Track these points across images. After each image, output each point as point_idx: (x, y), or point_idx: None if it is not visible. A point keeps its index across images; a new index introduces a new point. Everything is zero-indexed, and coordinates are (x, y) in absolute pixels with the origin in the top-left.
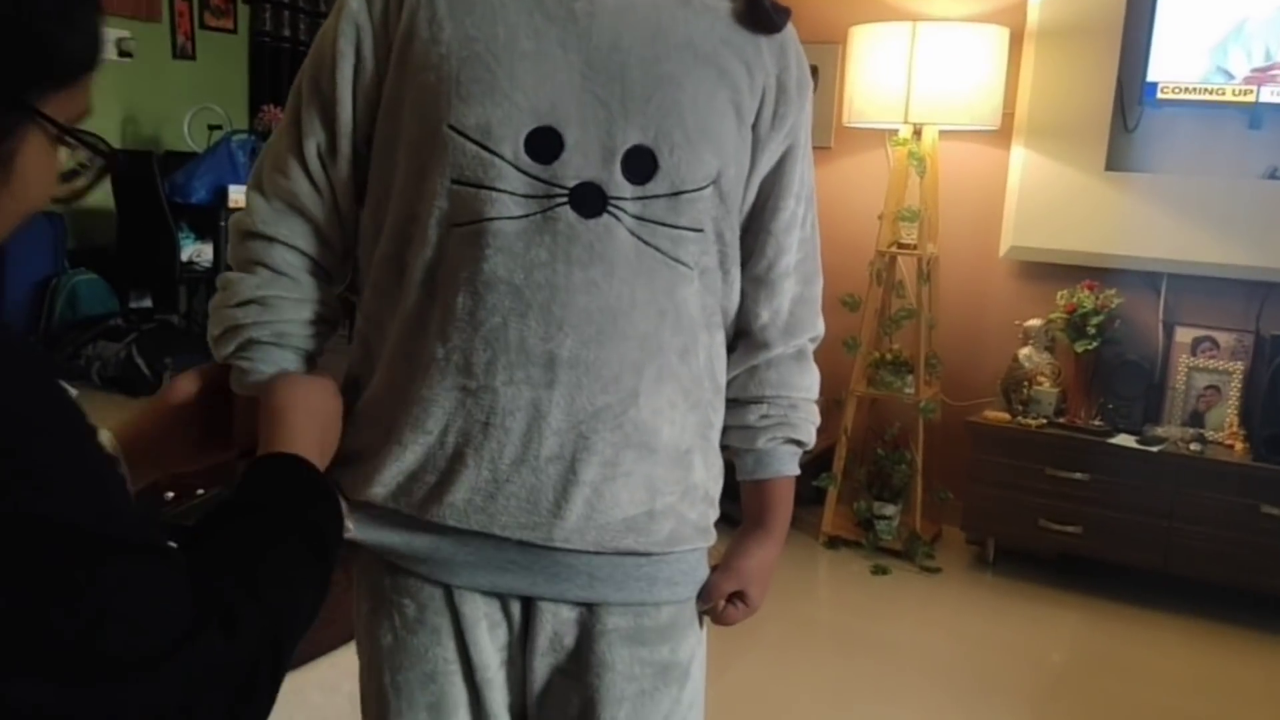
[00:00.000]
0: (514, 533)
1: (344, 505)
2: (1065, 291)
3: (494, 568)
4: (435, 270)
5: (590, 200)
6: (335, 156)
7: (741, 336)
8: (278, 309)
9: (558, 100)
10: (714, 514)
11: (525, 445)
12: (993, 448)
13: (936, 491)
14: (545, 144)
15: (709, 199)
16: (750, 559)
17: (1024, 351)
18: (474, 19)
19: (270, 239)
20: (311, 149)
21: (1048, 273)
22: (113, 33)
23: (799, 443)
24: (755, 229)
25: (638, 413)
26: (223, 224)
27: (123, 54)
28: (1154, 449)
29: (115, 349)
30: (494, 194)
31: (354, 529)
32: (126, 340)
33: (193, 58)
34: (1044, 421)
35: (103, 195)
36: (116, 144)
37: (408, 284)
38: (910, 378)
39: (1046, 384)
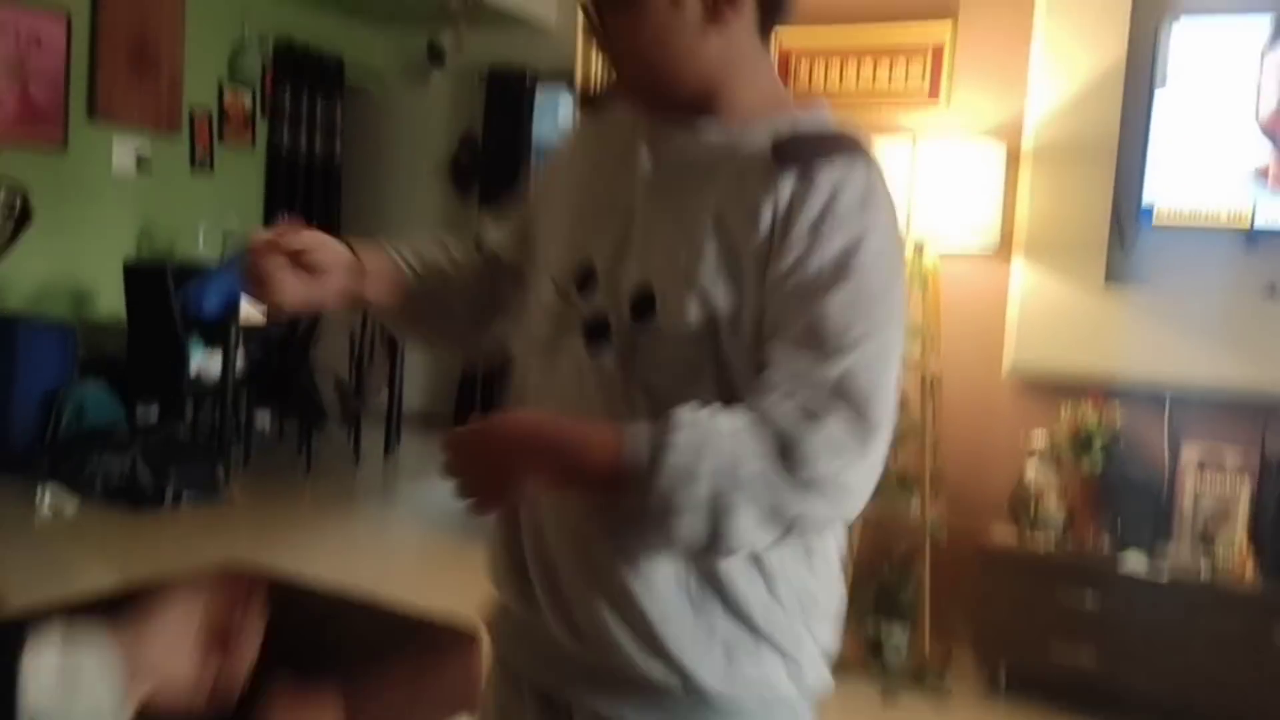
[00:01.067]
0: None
1: None
2: (1070, 409)
3: None
4: None
5: (594, 331)
6: None
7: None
8: None
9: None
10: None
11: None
12: (1002, 569)
13: (946, 613)
14: (583, 277)
15: (702, 341)
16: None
17: (1029, 470)
18: (551, 213)
19: None
20: None
21: (1051, 390)
22: (133, 144)
23: None
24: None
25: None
26: (233, 334)
27: (142, 167)
28: (1164, 572)
29: (120, 461)
30: (537, 311)
31: None
32: (131, 452)
33: (210, 171)
34: (1052, 543)
35: (115, 306)
36: (131, 255)
37: None
38: (915, 498)
39: (1053, 503)
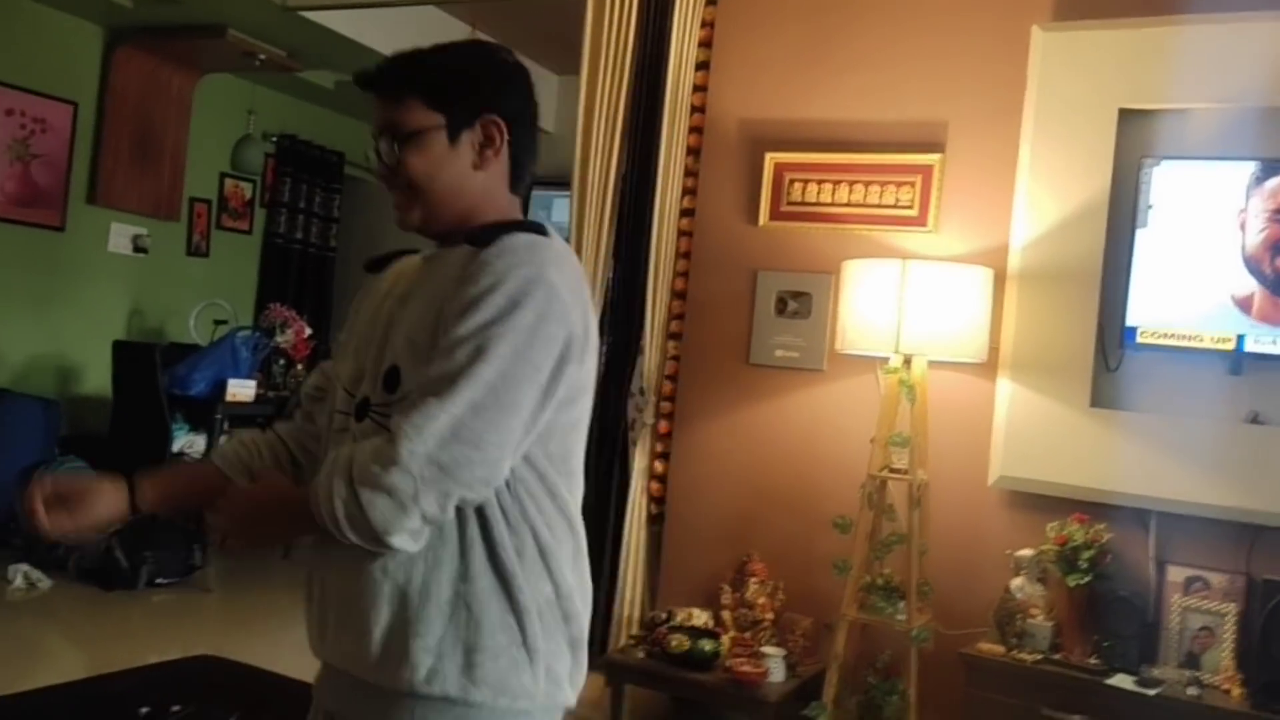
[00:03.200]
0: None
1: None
2: (1056, 523)
3: None
4: None
5: (360, 409)
6: None
7: None
8: None
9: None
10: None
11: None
12: (987, 683)
13: None
14: (358, 378)
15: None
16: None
17: (1016, 582)
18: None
19: None
20: None
21: (1037, 503)
22: (130, 229)
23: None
24: None
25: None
26: (218, 416)
27: (138, 250)
28: (1151, 692)
29: (96, 540)
30: (334, 413)
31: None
32: (108, 532)
33: (206, 255)
34: (1039, 656)
35: (102, 383)
36: (122, 335)
37: None
38: (902, 604)
39: (1040, 617)
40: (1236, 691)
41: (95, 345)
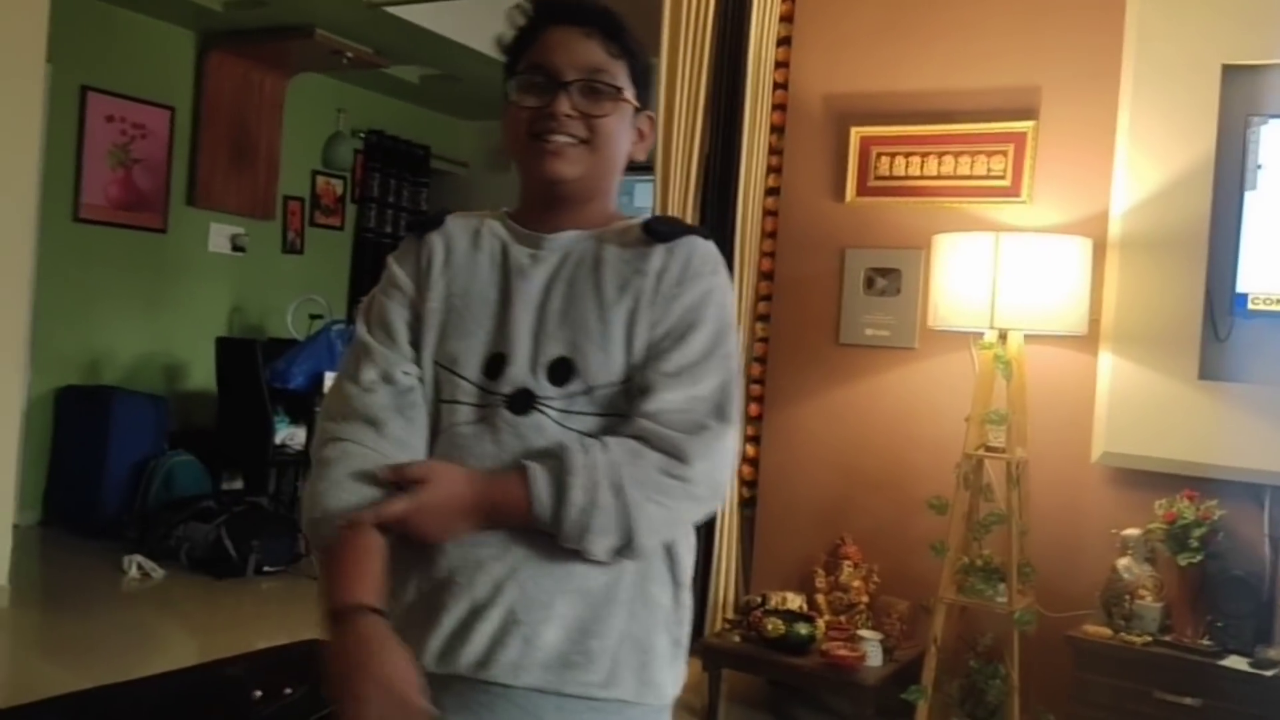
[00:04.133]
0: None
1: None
2: (1164, 501)
3: None
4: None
5: (520, 401)
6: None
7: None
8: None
9: (505, 332)
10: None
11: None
12: (1095, 666)
13: (1035, 711)
14: (495, 365)
15: (620, 389)
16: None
17: (1123, 562)
18: (447, 314)
19: None
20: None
21: (1143, 480)
22: (228, 229)
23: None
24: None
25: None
26: (317, 409)
27: (236, 249)
28: (1268, 673)
29: (205, 530)
30: (456, 405)
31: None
32: (216, 522)
33: (300, 252)
34: (1149, 639)
35: (206, 379)
36: (224, 332)
37: None
38: (1002, 586)
39: (1149, 598)
40: None
41: (199, 342)
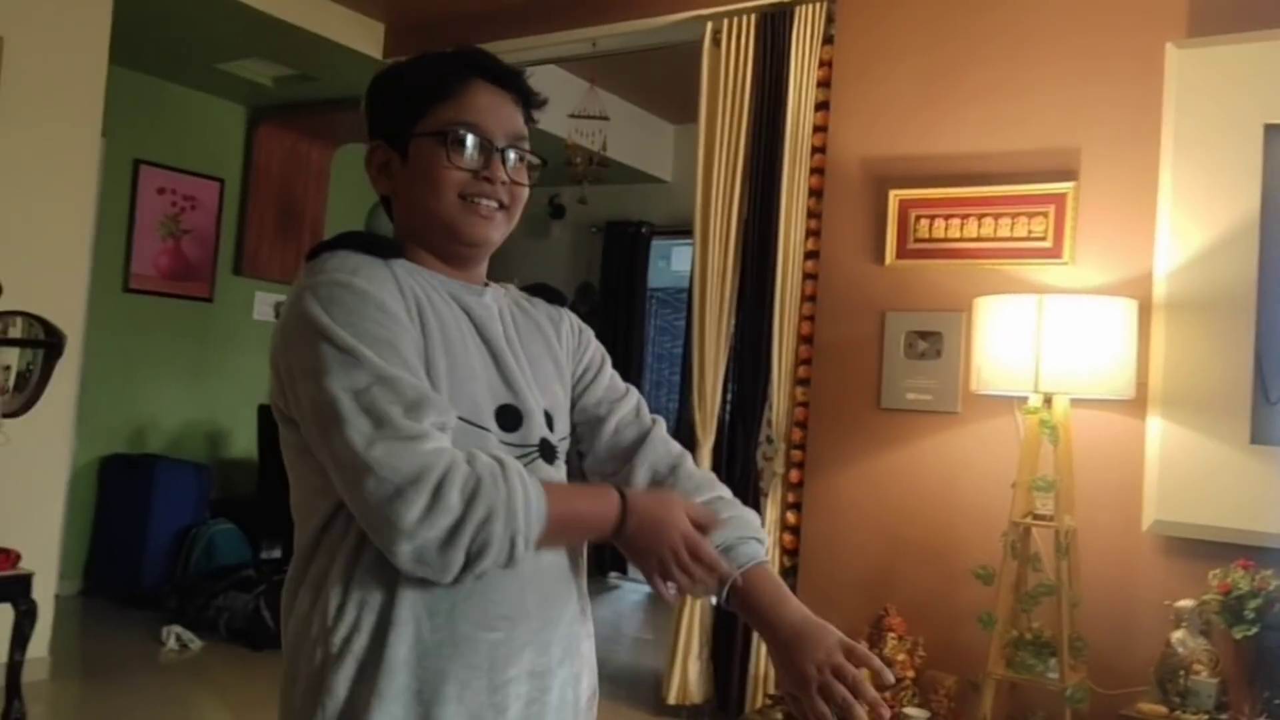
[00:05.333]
0: None
1: None
2: (1218, 571)
3: None
4: None
5: (548, 452)
6: None
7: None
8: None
9: (508, 382)
10: None
11: None
12: None
13: None
14: (508, 416)
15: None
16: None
17: (1177, 635)
18: (449, 360)
19: None
20: None
21: (1197, 550)
22: (273, 298)
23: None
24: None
25: None
26: None
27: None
28: None
29: (244, 600)
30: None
31: None
32: (256, 592)
33: None
34: (1205, 716)
35: (249, 447)
36: (266, 400)
37: None
38: (1054, 660)
39: (1204, 673)
40: None
41: (242, 410)
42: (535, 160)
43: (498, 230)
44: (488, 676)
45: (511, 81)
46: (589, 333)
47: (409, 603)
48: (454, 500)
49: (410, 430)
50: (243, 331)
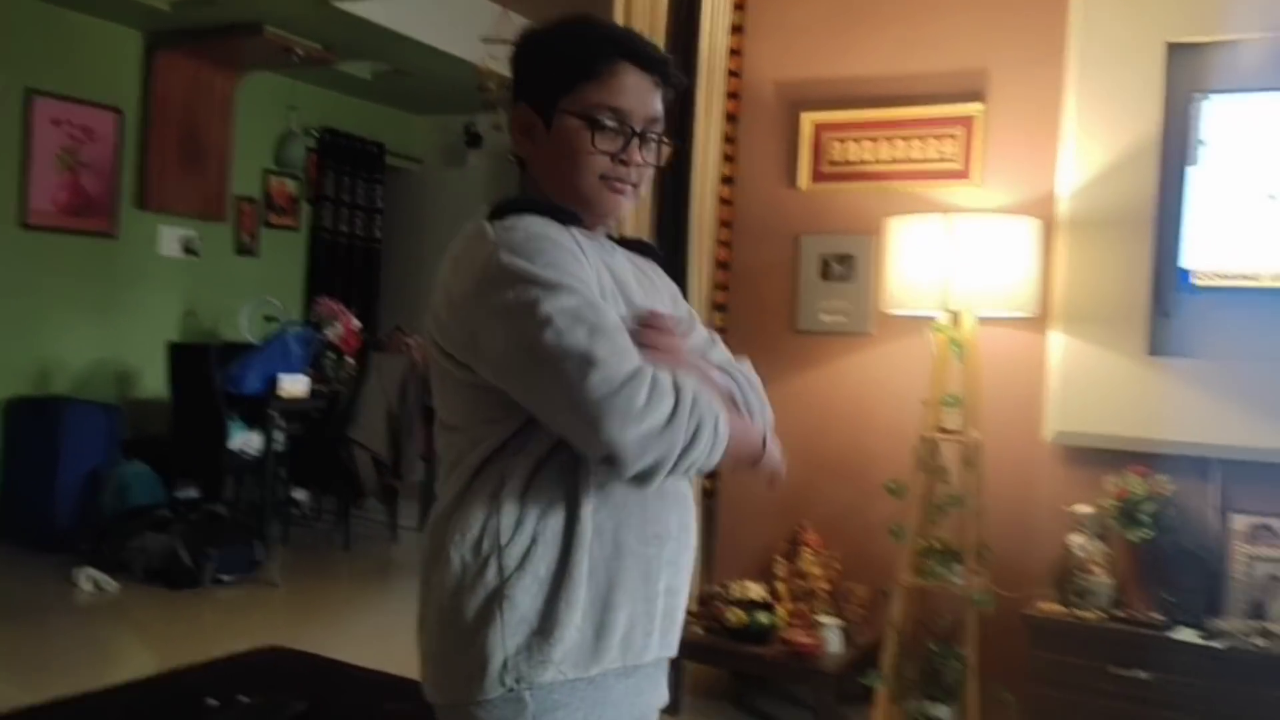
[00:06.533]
0: None
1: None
2: (1115, 478)
3: None
4: None
5: None
6: None
7: None
8: None
9: None
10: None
11: None
12: (1050, 643)
13: (994, 691)
14: None
15: None
16: None
17: (1076, 539)
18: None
19: None
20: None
21: (1095, 458)
22: (179, 232)
23: None
24: None
25: None
26: (272, 413)
27: (188, 252)
28: (1218, 644)
29: (161, 540)
30: None
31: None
32: (172, 532)
33: (254, 254)
34: (1101, 614)
35: (159, 386)
36: (176, 337)
37: None
38: (959, 567)
39: (1101, 574)
40: None
41: (151, 349)
42: (663, 142)
43: (629, 204)
44: (644, 588)
45: (658, 68)
46: (676, 287)
47: (584, 518)
48: (668, 388)
49: (624, 339)
50: (149, 267)
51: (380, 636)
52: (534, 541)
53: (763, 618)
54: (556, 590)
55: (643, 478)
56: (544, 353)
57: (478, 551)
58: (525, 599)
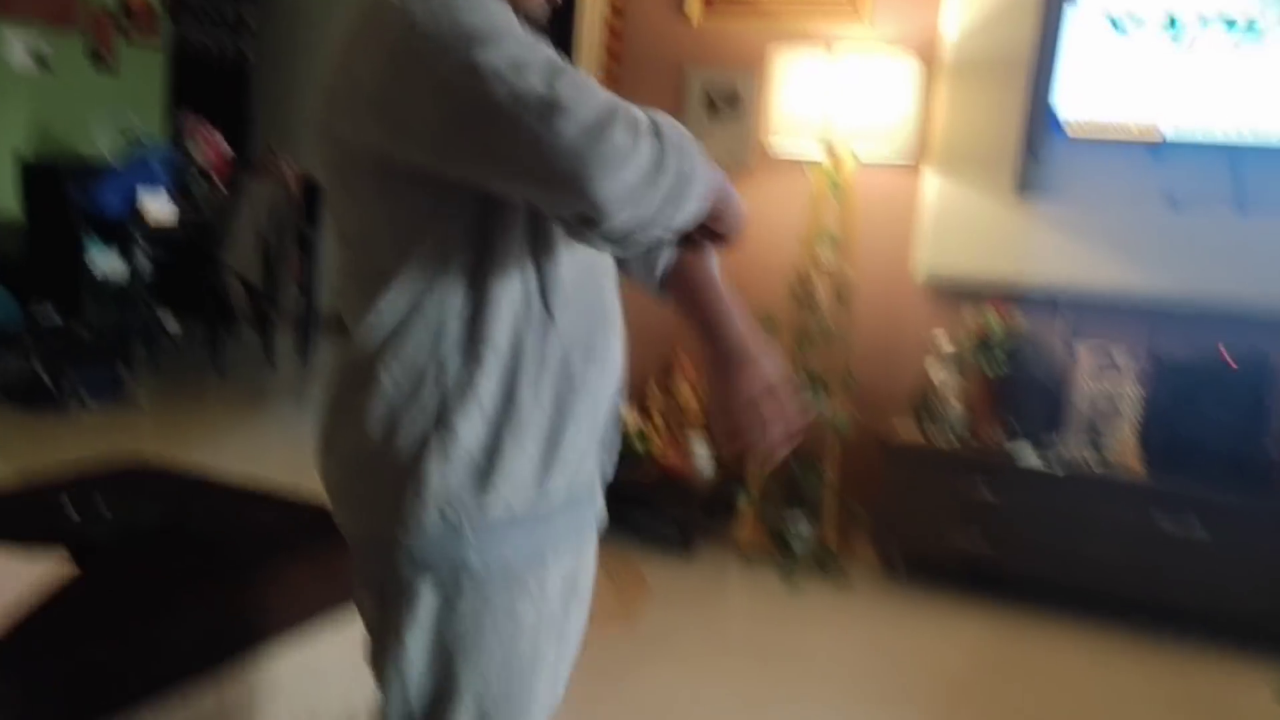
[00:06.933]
0: None
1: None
2: (975, 314)
3: None
4: None
5: None
6: None
7: None
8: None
9: None
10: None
11: None
12: (903, 465)
13: (848, 505)
14: None
15: None
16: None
17: (935, 372)
18: None
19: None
20: None
21: (960, 295)
22: (25, 39)
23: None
24: None
25: None
26: (134, 232)
27: (40, 63)
28: (1057, 464)
29: (17, 361)
30: None
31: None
32: (29, 352)
33: (111, 68)
34: (953, 438)
35: (11, 205)
36: (27, 156)
37: None
38: (826, 395)
39: (955, 402)
40: (1136, 463)
41: (1, 167)
42: None
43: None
44: (591, 416)
45: None
46: None
47: (530, 343)
48: (647, 127)
49: (586, 76)
50: None
51: (253, 459)
52: (478, 364)
53: (637, 443)
54: (502, 419)
55: (624, 236)
56: (494, 110)
57: (411, 372)
58: (467, 427)
